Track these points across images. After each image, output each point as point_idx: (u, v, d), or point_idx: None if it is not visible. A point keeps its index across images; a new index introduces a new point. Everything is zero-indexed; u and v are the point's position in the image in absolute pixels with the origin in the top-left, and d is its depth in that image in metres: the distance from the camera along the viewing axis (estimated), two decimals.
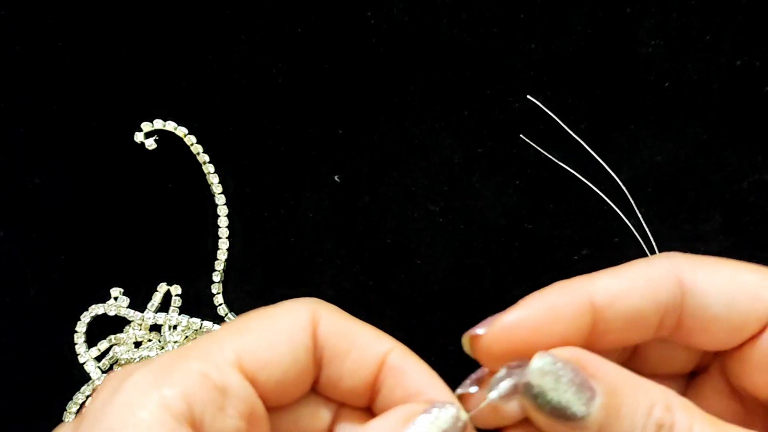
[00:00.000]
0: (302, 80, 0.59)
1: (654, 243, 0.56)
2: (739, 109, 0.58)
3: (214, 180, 0.58)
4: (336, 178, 0.58)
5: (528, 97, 0.58)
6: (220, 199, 0.58)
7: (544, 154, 0.58)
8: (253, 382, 0.33)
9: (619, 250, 0.57)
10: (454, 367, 0.57)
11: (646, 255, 0.56)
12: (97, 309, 0.56)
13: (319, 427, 0.37)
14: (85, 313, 0.56)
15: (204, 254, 0.57)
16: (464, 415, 0.35)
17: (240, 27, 0.60)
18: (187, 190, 0.58)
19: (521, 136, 0.58)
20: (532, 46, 0.59)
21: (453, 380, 0.57)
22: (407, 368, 0.36)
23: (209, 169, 0.58)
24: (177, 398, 0.30)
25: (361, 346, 0.35)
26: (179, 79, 0.59)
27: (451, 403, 0.35)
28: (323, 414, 0.37)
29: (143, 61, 0.60)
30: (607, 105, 0.58)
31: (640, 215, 0.56)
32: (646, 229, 0.56)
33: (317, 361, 0.36)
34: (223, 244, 0.57)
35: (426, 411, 0.34)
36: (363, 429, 0.34)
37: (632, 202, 0.57)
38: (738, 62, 0.58)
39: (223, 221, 0.58)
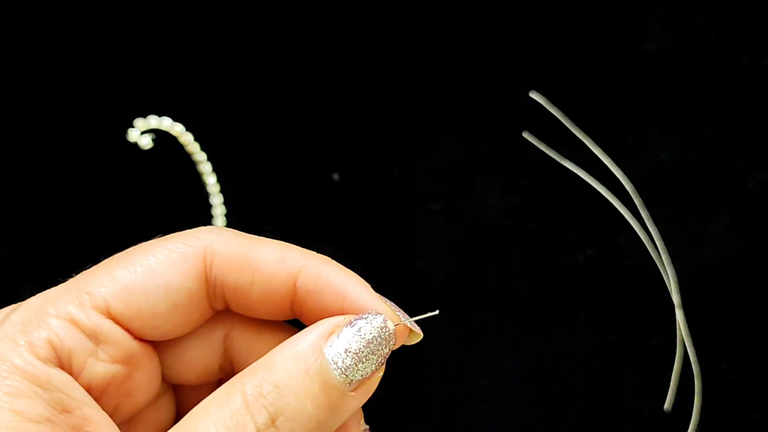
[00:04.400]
0: (302, 79, 0.59)
1: (658, 244, 0.56)
2: (746, 107, 0.58)
3: (211, 180, 0.58)
4: (335, 177, 0.58)
5: (531, 94, 0.58)
6: (217, 199, 0.58)
7: (548, 152, 0.57)
8: (127, 328, 0.33)
9: (624, 250, 0.56)
10: (456, 369, 0.56)
11: (650, 256, 0.56)
12: None
13: (222, 351, 0.37)
14: None
15: None
16: (391, 325, 0.34)
17: (240, 26, 0.60)
18: (186, 189, 0.58)
19: (524, 134, 0.58)
20: (535, 42, 0.59)
21: (454, 386, 0.57)
22: (322, 288, 0.34)
23: (207, 168, 0.58)
24: (46, 346, 0.31)
25: (264, 277, 0.34)
26: (178, 79, 0.59)
27: (377, 313, 0.34)
28: (231, 337, 0.37)
29: (143, 61, 0.59)
30: (612, 103, 0.58)
31: (644, 215, 0.56)
32: (651, 230, 0.56)
33: (215, 297, 0.35)
34: None
35: (350, 323, 0.33)
36: (281, 347, 0.33)
37: (636, 202, 0.56)
38: (744, 59, 0.58)
39: (219, 221, 0.58)
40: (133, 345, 0.34)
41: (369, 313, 0.34)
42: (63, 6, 0.60)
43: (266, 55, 0.59)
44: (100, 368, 0.33)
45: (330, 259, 0.36)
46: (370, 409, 0.37)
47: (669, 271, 0.55)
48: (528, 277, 0.56)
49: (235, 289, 0.35)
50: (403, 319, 0.35)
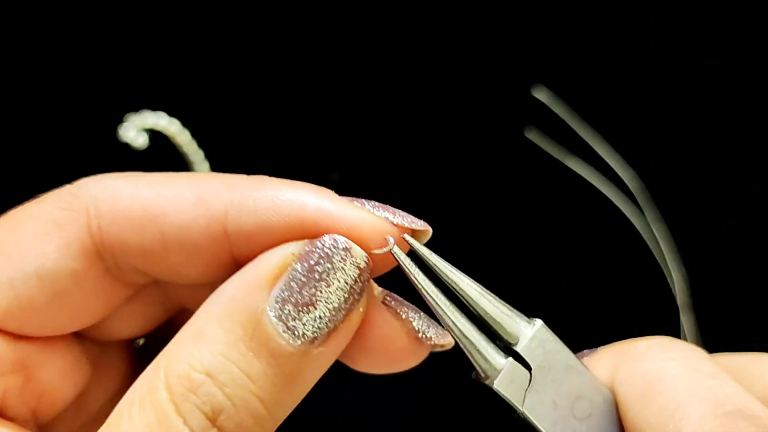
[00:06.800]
0: (301, 79, 0.59)
1: (662, 244, 0.55)
2: (751, 108, 0.57)
3: None
4: (334, 176, 0.58)
5: (533, 92, 0.58)
6: None
7: (550, 151, 0.57)
8: (1, 330, 0.24)
9: (627, 250, 0.56)
10: (454, 373, 0.56)
11: (654, 256, 0.56)
12: None
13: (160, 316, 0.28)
14: None
15: None
16: (357, 249, 0.23)
17: (239, 26, 0.60)
18: None
19: (526, 133, 0.58)
20: (538, 40, 0.59)
21: (453, 394, 0.57)
22: (266, 221, 0.24)
23: (204, 168, 0.58)
24: None
25: (177, 231, 0.24)
26: (177, 79, 0.59)
27: (331, 235, 0.23)
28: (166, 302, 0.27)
29: (143, 62, 0.59)
30: (616, 102, 0.58)
31: (647, 216, 0.56)
32: (655, 230, 0.56)
33: (122, 271, 0.25)
34: None
35: (299, 257, 0.23)
36: (208, 306, 0.23)
37: (641, 201, 0.56)
38: (750, 59, 0.58)
39: None
40: (18, 347, 0.24)
41: (321, 238, 0.23)
42: (62, 5, 0.60)
43: (265, 53, 0.59)
44: None
45: (268, 177, 0.26)
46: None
47: (673, 272, 0.55)
48: (530, 276, 0.56)
49: (143, 256, 0.24)
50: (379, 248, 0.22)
